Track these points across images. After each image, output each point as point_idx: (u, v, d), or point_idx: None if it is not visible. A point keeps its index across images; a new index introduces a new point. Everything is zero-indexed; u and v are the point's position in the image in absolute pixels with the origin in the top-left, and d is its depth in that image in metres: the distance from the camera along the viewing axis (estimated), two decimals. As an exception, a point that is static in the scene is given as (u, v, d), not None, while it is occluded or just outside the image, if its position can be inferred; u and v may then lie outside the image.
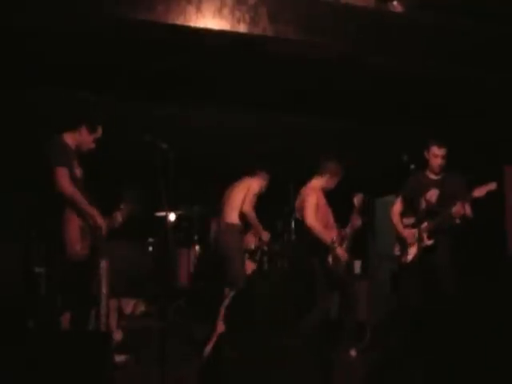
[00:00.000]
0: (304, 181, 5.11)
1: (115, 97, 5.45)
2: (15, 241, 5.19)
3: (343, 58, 5.02)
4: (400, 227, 5.01)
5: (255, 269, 5.96)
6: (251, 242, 5.80)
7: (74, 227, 3.78)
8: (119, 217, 4.14)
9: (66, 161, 3.85)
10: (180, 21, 4.33)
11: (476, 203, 4.67)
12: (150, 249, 6.33)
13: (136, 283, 5.47)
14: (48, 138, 3.91)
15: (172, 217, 5.62)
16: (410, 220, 4.95)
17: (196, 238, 6.47)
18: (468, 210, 4.64)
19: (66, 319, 3.95)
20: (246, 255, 5.87)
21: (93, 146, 4.05)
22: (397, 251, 5.04)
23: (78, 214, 3.85)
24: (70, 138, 4.04)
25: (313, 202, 4.83)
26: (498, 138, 6.18)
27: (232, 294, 4.74)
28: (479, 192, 4.61)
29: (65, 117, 4.17)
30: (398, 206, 5.14)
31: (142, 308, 5.68)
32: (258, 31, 4.57)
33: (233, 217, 5.31)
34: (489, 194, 4.57)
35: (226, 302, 4.71)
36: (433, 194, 4.88)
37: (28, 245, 4.92)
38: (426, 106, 5.97)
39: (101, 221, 3.94)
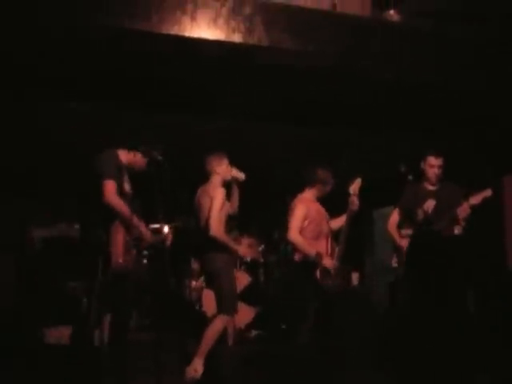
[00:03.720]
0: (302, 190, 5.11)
1: (108, 106, 5.54)
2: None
3: (339, 67, 5.04)
4: (397, 238, 5.04)
5: (251, 281, 5.99)
6: (247, 253, 5.78)
7: (120, 240, 3.87)
8: (170, 235, 4.30)
9: (116, 174, 3.96)
10: (174, 31, 4.39)
11: (474, 217, 4.70)
12: (145, 261, 6.24)
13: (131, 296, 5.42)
14: (102, 151, 4.03)
15: (165, 229, 5.54)
16: (408, 231, 4.98)
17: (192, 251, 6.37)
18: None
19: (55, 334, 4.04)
20: (242, 267, 5.91)
21: (145, 167, 4.17)
22: (394, 263, 5.06)
23: (125, 226, 3.93)
24: (123, 155, 4.17)
25: (299, 215, 4.77)
26: (496, 149, 6.23)
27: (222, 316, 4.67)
28: (475, 199, 4.66)
29: (121, 137, 4.30)
30: (395, 217, 5.16)
31: (136, 321, 5.75)
32: (253, 41, 4.63)
33: (214, 230, 4.80)
34: (485, 201, 4.61)
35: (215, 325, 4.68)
36: (430, 205, 4.91)
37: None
38: (423, 115, 6.01)
39: (148, 234, 4.08)
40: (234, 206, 4.93)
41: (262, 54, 4.77)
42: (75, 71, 4.90)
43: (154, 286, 5.65)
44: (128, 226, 3.97)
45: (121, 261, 3.84)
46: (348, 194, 4.83)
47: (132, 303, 4.38)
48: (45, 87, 5.08)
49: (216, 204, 4.65)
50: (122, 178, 4.10)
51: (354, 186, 4.81)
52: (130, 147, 4.20)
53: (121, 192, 4.02)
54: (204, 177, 4.97)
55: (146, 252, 5.80)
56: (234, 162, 4.97)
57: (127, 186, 4.15)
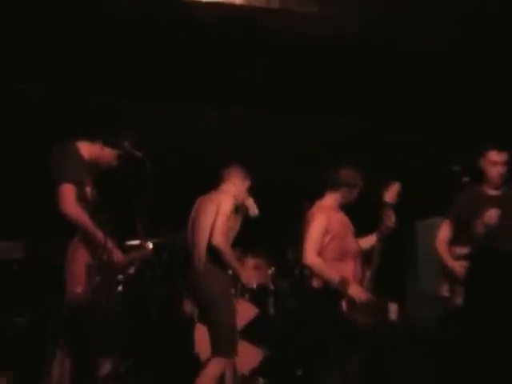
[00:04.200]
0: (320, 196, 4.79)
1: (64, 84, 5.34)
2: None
3: (365, 37, 4.99)
4: (449, 259, 4.79)
5: (258, 313, 5.75)
6: (253, 278, 5.65)
7: (79, 262, 3.67)
8: (148, 248, 4.26)
9: (76, 175, 3.72)
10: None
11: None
12: (120, 288, 5.93)
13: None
14: (57, 144, 3.80)
15: (149, 246, 5.31)
16: (463, 250, 4.74)
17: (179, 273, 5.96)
18: None
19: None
20: (246, 296, 5.67)
21: (115, 162, 3.96)
22: (444, 291, 4.82)
23: (86, 244, 3.72)
24: (85, 149, 3.90)
25: (317, 229, 4.46)
26: None
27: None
28: None
29: (82, 120, 4.33)
30: (445, 232, 4.91)
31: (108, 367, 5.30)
32: (259, 3, 4.60)
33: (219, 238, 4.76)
34: None
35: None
36: (493, 215, 4.66)
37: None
38: (481, 105, 5.97)
39: (119, 255, 3.86)
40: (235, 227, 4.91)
41: (268, 19, 4.71)
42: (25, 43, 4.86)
43: (132, 320, 5.43)
44: (91, 244, 3.73)
45: (79, 290, 3.59)
46: (382, 205, 4.55)
47: (97, 345, 4.06)
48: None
49: (224, 209, 4.66)
50: (84, 180, 3.81)
51: (390, 194, 4.52)
52: (93, 138, 3.93)
53: (82, 198, 3.75)
54: (199, 181, 5.01)
55: (120, 277, 5.65)
56: (232, 159, 5.00)
57: (90, 191, 3.87)
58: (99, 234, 3.71)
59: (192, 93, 5.59)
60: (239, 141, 6.11)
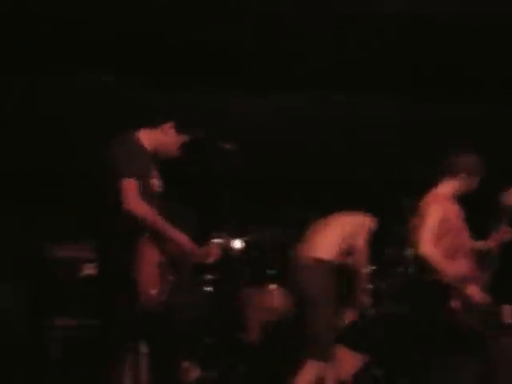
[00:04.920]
0: (424, 190, 4.36)
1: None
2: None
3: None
4: None
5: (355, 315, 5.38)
6: None
7: (151, 262, 3.43)
8: (216, 249, 3.81)
9: (138, 169, 3.47)
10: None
11: None
12: (208, 289, 5.78)
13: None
14: (116, 134, 3.55)
15: (237, 244, 5.15)
16: None
17: (270, 273, 5.92)
18: None
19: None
20: None
21: (177, 152, 3.69)
22: None
23: (157, 243, 3.47)
24: (146, 136, 3.63)
25: (434, 219, 4.10)
26: None
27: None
28: None
29: (143, 109, 3.98)
30: None
31: (197, 373, 5.28)
32: None
33: (324, 251, 4.84)
34: None
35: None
36: None
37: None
38: None
39: (194, 248, 3.55)
40: None
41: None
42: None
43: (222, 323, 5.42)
44: (161, 241, 3.47)
45: (153, 292, 3.34)
46: (499, 207, 4.23)
47: (179, 349, 3.92)
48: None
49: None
50: (148, 172, 3.57)
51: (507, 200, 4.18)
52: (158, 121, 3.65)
53: (147, 192, 3.50)
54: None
55: (208, 276, 5.79)
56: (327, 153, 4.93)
57: (156, 184, 3.61)
58: (169, 229, 3.48)
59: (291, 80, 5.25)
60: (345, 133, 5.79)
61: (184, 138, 3.66)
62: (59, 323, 4.98)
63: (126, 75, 5.00)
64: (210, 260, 3.76)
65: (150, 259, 3.42)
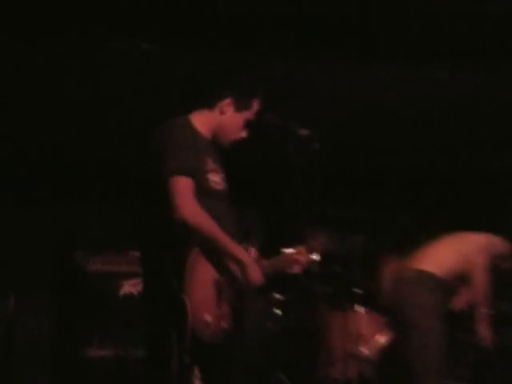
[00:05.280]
0: None
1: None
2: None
3: None
4: None
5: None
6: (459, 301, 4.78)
7: (204, 281, 2.98)
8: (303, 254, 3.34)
9: (193, 163, 3.00)
10: None
11: None
12: (277, 312, 5.07)
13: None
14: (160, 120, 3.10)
15: (314, 255, 4.48)
16: None
17: (358, 293, 5.12)
18: None
19: None
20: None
21: (243, 134, 3.21)
22: None
23: (212, 255, 3.02)
24: (200, 122, 3.15)
25: None
26: None
27: None
28: None
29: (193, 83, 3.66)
30: None
31: None
32: None
33: (430, 264, 4.42)
34: None
35: None
36: None
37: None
38: None
39: (255, 269, 3.06)
40: None
41: None
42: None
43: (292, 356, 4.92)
44: (217, 255, 3.00)
45: (208, 318, 2.86)
46: None
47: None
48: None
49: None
50: (206, 165, 3.06)
51: None
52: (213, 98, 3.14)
53: (202, 191, 3.00)
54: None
55: (277, 296, 5.18)
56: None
57: (217, 179, 3.10)
58: (228, 241, 2.99)
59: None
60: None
61: (246, 116, 3.15)
62: (92, 353, 4.51)
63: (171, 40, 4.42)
64: (295, 270, 3.27)
65: (203, 277, 2.94)
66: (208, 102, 3.11)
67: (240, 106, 3.10)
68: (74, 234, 5.32)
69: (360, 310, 4.98)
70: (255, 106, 3.14)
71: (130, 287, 4.66)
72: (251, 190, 5.06)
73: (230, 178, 3.22)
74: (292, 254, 3.33)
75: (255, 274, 3.04)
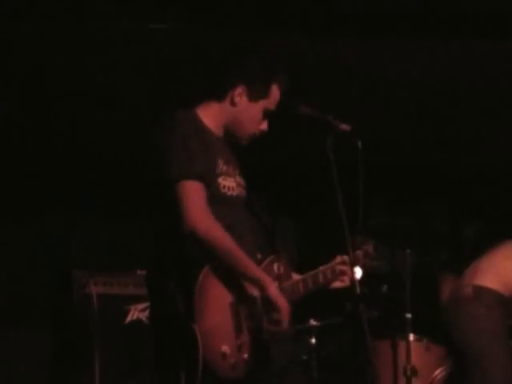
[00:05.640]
0: None
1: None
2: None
3: None
4: None
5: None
6: None
7: (221, 306, 2.75)
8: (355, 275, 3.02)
9: (203, 165, 2.78)
10: None
11: None
12: (312, 341, 4.54)
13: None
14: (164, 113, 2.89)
15: (358, 273, 4.23)
16: None
17: (409, 317, 4.53)
18: None
19: None
20: None
21: (263, 127, 2.95)
22: None
23: (227, 275, 2.82)
24: (209, 116, 2.92)
25: None
26: None
27: None
28: None
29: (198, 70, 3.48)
30: None
31: None
32: None
33: (490, 280, 4.05)
34: None
35: None
36: None
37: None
38: None
39: (277, 296, 2.77)
40: None
41: None
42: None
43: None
44: (233, 274, 2.77)
45: (225, 349, 2.62)
46: None
47: None
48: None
49: None
50: (218, 167, 2.87)
51: None
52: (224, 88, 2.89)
53: (214, 198, 2.80)
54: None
55: (313, 322, 4.74)
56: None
57: (232, 184, 2.91)
58: (244, 258, 2.73)
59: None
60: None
61: (264, 106, 2.85)
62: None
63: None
64: (344, 282, 3.06)
65: (217, 300, 2.68)
66: (217, 91, 2.83)
67: (255, 95, 2.80)
68: (72, 249, 4.85)
69: (413, 338, 4.49)
70: (275, 93, 2.83)
71: (139, 313, 4.31)
72: (283, 193, 4.68)
73: (257, 179, 3.00)
74: (337, 264, 3.03)
75: (277, 299, 2.68)
